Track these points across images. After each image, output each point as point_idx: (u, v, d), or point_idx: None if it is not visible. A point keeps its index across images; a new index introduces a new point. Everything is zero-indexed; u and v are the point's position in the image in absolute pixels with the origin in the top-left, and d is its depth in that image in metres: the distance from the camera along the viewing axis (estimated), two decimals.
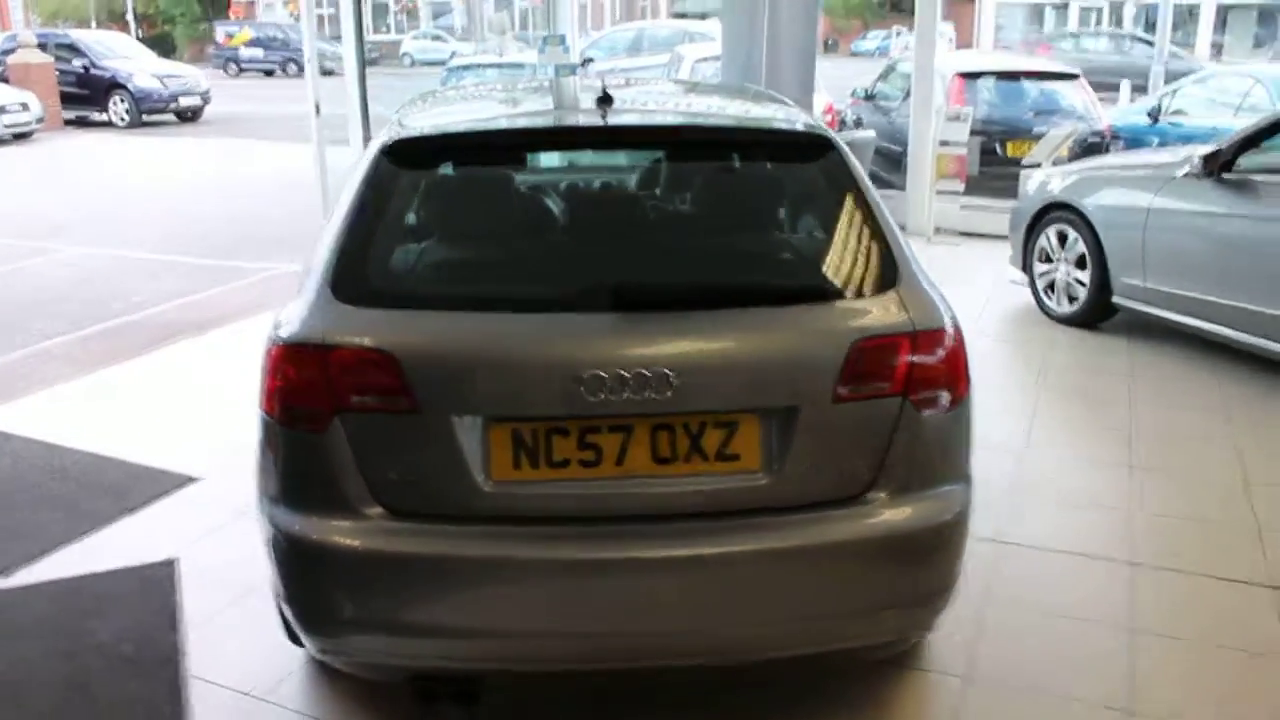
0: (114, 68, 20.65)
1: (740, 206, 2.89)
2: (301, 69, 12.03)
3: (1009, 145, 9.97)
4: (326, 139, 7.88)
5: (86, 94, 20.34)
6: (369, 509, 2.41)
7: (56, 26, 31.76)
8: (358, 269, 2.54)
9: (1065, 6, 35.51)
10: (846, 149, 2.80)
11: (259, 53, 34.80)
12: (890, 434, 2.42)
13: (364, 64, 7.80)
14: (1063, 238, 6.36)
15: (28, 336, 6.71)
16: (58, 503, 4.21)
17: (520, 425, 2.35)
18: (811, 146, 2.81)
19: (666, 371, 2.30)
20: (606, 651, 2.50)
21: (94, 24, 39.18)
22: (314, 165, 7.47)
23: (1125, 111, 12.33)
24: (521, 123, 2.96)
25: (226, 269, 8.61)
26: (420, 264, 2.73)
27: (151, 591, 3.54)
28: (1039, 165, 7.92)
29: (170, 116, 21.10)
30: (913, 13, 8.81)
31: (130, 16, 40.93)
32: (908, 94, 9.87)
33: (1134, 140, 10.43)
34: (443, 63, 21.59)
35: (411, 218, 2.77)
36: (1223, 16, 32.58)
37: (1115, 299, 6.07)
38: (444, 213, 2.89)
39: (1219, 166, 5.39)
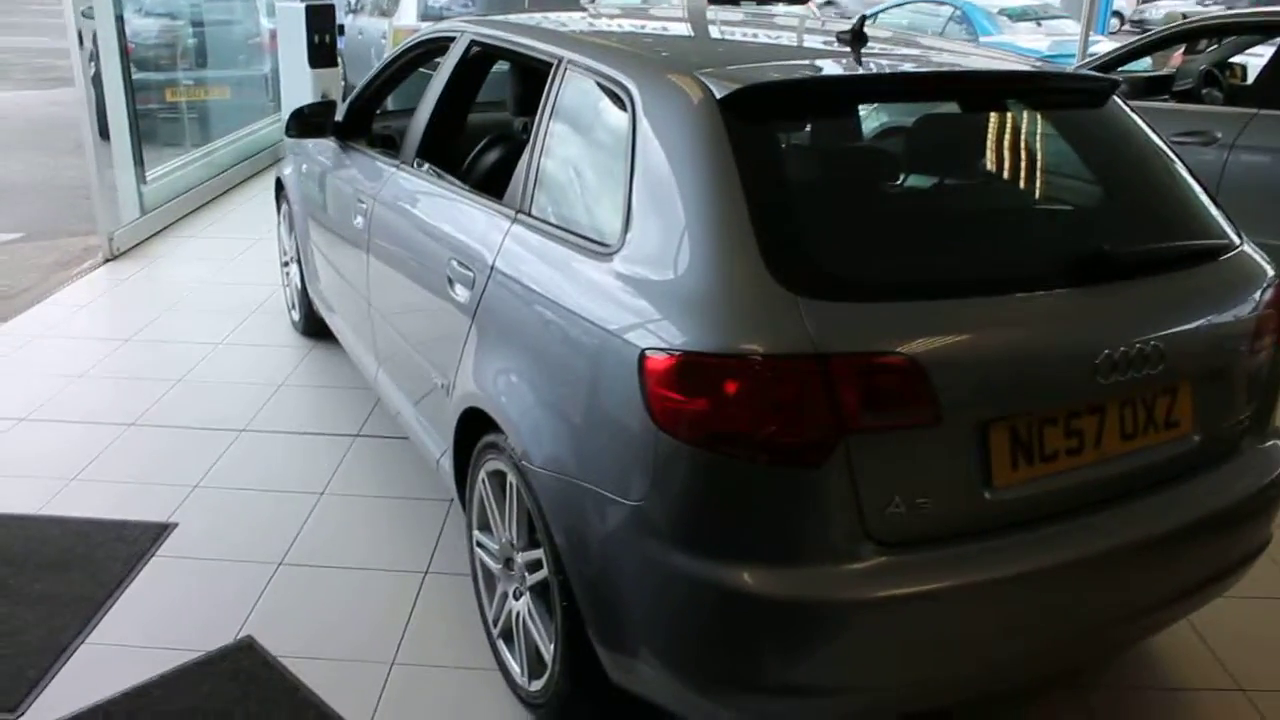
0: None
1: (1078, 160, 2.70)
2: None
3: None
4: None
5: None
6: (860, 546, 1.99)
7: None
8: (799, 253, 2.05)
9: None
10: None
11: None
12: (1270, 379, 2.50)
13: None
14: None
15: None
16: (12, 594, 3.08)
17: (1017, 421, 2.09)
18: (1099, 92, 2.67)
19: (1158, 344, 2.18)
20: (1081, 647, 2.36)
21: None
22: (83, 108, 5.92)
23: None
24: (858, 69, 2.47)
25: None
26: (873, 242, 2.20)
27: (270, 687, 2.69)
28: None
29: None
30: None
31: None
32: None
33: None
34: None
35: (803, 185, 2.23)
36: None
37: None
38: (834, 178, 2.39)
39: None
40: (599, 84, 2.54)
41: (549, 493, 2.31)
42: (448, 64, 3.37)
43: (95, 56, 6.49)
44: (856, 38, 2.57)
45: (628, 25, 3.50)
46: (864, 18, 2.63)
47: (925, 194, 2.62)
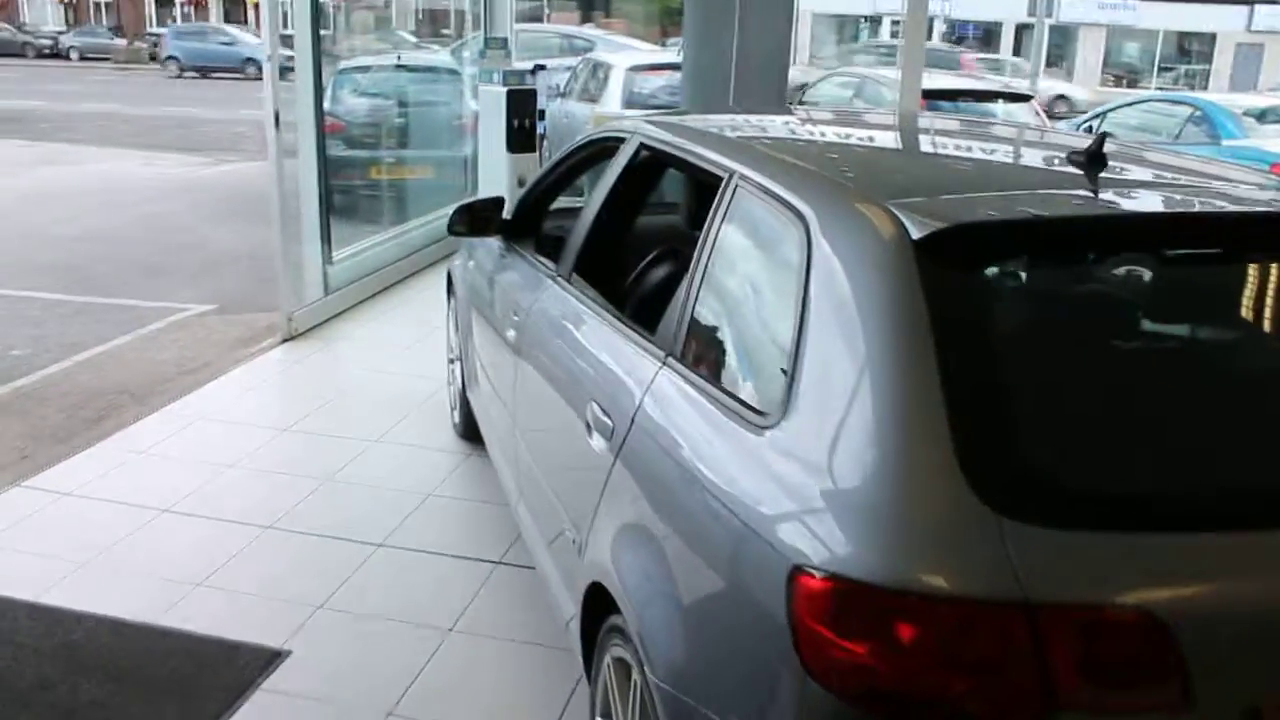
0: None
1: None
2: None
3: None
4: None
5: None
6: None
7: None
8: (1008, 455, 1.57)
9: (878, 21, 36.38)
10: None
11: None
12: None
13: (319, 66, 6.37)
14: None
15: None
16: (106, 712, 2.85)
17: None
18: None
19: None
20: None
21: None
22: (272, 185, 5.99)
23: None
24: (1097, 205, 1.97)
25: (117, 309, 7.05)
26: (1111, 445, 1.69)
27: None
28: None
29: None
30: None
31: None
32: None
33: None
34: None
35: (1019, 359, 1.75)
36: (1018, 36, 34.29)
37: None
38: (1060, 352, 1.86)
39: None
40: (772, 208, 2.12)
41: (669, 712, 1.86)
42: (614, 168, 3.03)
43: None
44: (1093, 159, 2.07)
45: (826, 132, 3.09)
46: (1104, 136, 2.11)
47: (1187, 378, 2.00)
